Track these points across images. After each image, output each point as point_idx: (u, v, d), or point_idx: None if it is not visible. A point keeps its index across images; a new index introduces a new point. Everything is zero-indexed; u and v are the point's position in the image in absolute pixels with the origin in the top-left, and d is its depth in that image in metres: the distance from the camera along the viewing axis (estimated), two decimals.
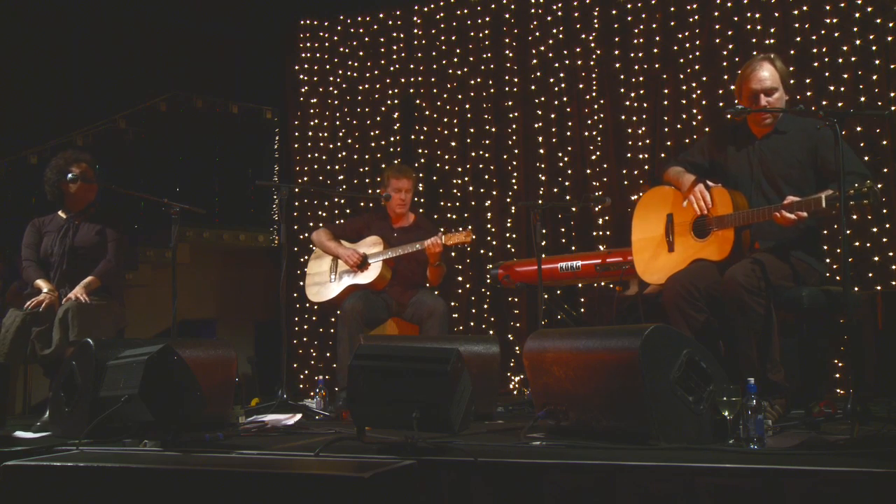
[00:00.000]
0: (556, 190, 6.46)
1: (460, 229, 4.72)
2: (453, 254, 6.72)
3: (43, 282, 4.46)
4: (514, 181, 6.66)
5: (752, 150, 3.68)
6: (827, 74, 5.62)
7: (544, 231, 5.83)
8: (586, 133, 6.40)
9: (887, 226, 5.36)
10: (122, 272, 4.82)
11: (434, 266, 4.86)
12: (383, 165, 6.59)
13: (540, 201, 5.88)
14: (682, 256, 3.73)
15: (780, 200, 3.46)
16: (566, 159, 6.47)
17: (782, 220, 3.33)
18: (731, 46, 5.96)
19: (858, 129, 5.47)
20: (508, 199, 6.66)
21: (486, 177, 6.76)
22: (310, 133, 7.41)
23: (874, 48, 5.50)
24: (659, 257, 3.87)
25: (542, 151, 6.56)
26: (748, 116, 3.68)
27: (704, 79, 5.99)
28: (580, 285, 6.11)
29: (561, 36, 6.57)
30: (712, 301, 3.47)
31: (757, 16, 5.89)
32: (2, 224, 6.56)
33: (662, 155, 6.11)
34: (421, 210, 6.71)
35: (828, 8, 5.67)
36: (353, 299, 4.77)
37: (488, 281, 6.41)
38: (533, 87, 6.63)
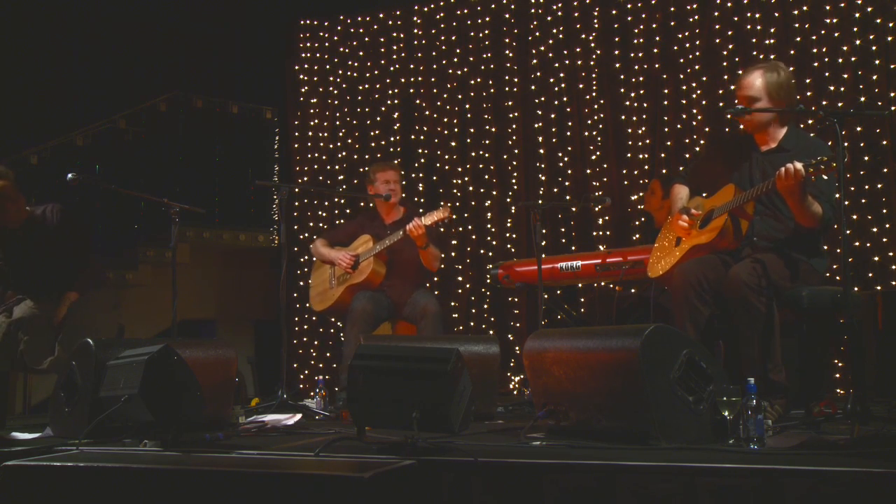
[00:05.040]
0: (556, 190, 6.46)
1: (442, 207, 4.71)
2: (454, 254, 6.73)
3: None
4: (514, 181, 6.66)
5: (754, 163, 3.65)
6: (827, 74, 5.62)
7: (544, 231, 5.83)
8: (586, 133, 6.40)
9: (887, 226, 5.37)
10: (92, 263, 4.60)
11: (423, 249, 4.82)
12: None
13: (540, 201, 5.89)
14: (683, 246, 3.76)
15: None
16: (566, 159, 6.47)
17: (787, 179, 3.20)
18: (731, 46, 5.96)
19: (858, 129, 5.47)
20: (508, 199, 6.66)
21: (486, 177, 6.76)
22: (310, 133, 7.41)
23: (874, 48, 5.51)
24: (666, 253, 3.89)
25: (542, 151, 6.56)
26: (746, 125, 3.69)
27: (704, 79, 5.99)
28: (580, 285, 6.12)
29: (561, 36, 6.57)
30: (718, 297, 3.48)
31: (757, 16, 5.89)
32: None
33: (662, 155, 6.12)
34: (421, 210, 6.70)
35: (828, 8, 5.67)
36: (362, 300, 4.76)
37: (488, 281, 6.40)
38: (533, 87, 6.63)
